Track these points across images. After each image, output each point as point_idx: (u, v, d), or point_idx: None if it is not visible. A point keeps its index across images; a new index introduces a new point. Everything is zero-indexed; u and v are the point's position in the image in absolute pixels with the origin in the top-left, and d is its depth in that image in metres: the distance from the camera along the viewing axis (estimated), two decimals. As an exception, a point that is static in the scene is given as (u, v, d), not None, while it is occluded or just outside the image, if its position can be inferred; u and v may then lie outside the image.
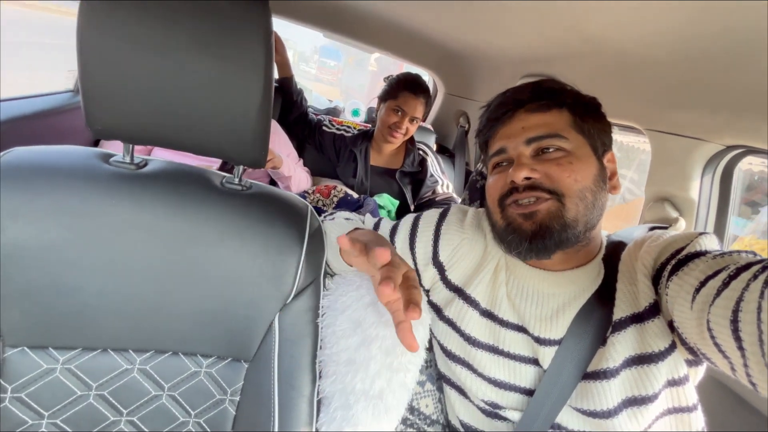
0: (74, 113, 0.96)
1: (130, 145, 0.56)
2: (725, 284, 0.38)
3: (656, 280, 0.50)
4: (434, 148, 1.81)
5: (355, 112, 1.95)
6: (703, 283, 0.41)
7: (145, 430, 0.56)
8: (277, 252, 0.58)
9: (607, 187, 0.56)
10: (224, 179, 0.62)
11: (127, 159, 0.57)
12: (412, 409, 0.68)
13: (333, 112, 1.91)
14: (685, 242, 0.49)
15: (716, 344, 0.38)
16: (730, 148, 0.75)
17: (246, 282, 0.57)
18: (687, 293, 0.43)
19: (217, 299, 0.57)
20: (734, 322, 0.35)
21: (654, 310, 0.49)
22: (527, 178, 0.52)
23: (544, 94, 0.56)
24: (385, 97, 1.40)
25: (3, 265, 0.49)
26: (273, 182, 1.43)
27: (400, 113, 1.35)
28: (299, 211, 0.62)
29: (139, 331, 0.56)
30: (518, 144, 0.54)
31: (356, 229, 0.67)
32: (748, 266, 0.38)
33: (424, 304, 0.62)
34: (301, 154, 1.53)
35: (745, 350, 0.34)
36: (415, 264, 0.66)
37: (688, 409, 0.51)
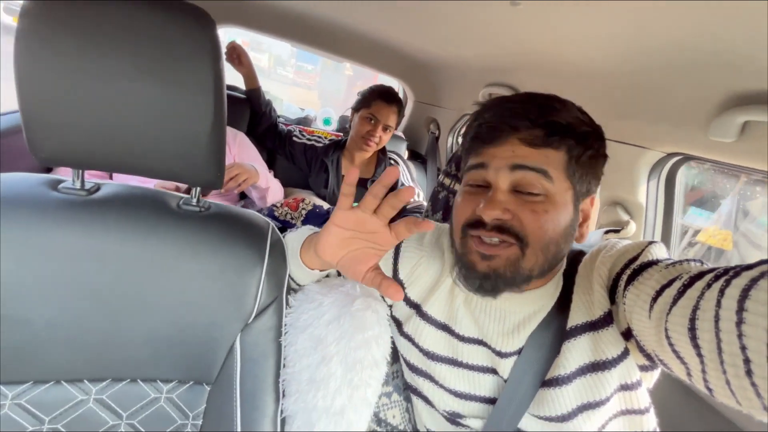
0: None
1: (80, 171, 0.55)
2: (680, 293, 0.39)
3: (612, 290, 0.51)
4: (406, 155, 1.83)
5: (326, 121, 1.95)
6: (659, 293, 0.42)
7: (104, 461, 0.55)
8: (236, 272, 0.58)
9: (575, 235, 0.53)
10: (181, 201, 0.61)
11: (77, 185, 0.56)
12: (379, 421, 0.69)
13: (304, 121, 1.91)
14: (636, 251, 0.51)
15: (674, 351, 0.39)
16: (670, 155, 0.79)
17: (205, 305, 0.57)
18: (644, 302, 0.44)
19: (174, 324, 0.56)
20: (692, 329, 0.36)
21: (608, 318, 0.51)
22: (499, 219, 0.49)
23: (546, 126, 0.49)
24: (358, 107, 1.42)
25: None
26: (243, 195, 1.42)
27: (373, 121, 1.37)
28: (259, 228, 0.62)
29: (94, 360, 0.54)
30: (501, 167, 0.49)
31: (316, 233, 0.67)
32: (700, 275, 0.39)
33: (385, 318, 0.63)
34: (271, 166, 1.52)
35: (704, 357, 0.35)
36: None
37: (640, 412, 0.52)
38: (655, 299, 0.43)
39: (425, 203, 1.51)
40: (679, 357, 0.39)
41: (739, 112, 0.60)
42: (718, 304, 0.34)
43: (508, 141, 0.50)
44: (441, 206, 0.82)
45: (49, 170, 1.01)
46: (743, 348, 0.31)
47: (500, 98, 0.54)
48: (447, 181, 0.83)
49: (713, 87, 0.63)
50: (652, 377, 0.54)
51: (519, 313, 0.57)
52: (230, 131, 1.32)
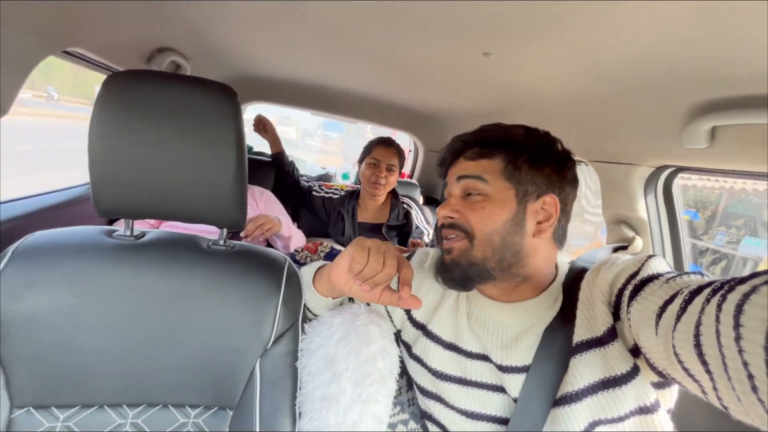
0: (91, 202, 1.11)
1: (131, 221, 0.67)
2: (682, 309, 0.39)
3: (616, 305, 0.51)
4: (421, 200, 1.92)
5: (345, 176, 2.12)
6: (663, 309, 0.42)
7: (136, 484, 0.59)
8: (256, 301, 0.65)
9: (525, 230, 0.58)
10: (211, 242, 0.71)
11: (128, 232, 0.67)
12: (396, 449, 0.69)
13: (324, 177, 2.07)
14: (636, 266, 0.51)
15: (684, 369, 0.39)
16: (660, 168, 0.83)
17: (229, 330, 0.64)
18: (649, 319, 0.44)
19: (203, 350, 0.63)
20: (698, 346, 0.36)
21: (612, 334, 0.51)
22: (448, 217, 0.60)
23: (480, 143, 0.62)
24: (362, 157, 1.57)
25: (20, 333, 0.57)
26: (269, 244, 1.53)
27: (376, 164, 1.50)
28: (276, 262, 0.70)
29: (133, 385, 0.61)
30: (452, 180, 0.62)
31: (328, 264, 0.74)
32: (699, 290, 0.39)
33: (390, 338, 0.66)
34: (295, 218, 1.65)
35: (713, 373, 0.35)
36: (386, 307, 0.72)
37: None
38: (659, 315, 0.42)
39: None
40: (689, 375, 0.39)
41: (706, 120, 0.64)
42: (717, 319, 0.34)
43: (457, 162, 0.63)
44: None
45: (110, 223, 1.18)
46: (745, 364, 0.31)
47: (456, 135, 0.68)
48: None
49: (678, 100, 0.68)
50: (670, 396, 0.52)
51: (515, 325, 0.59)
52: (257, 189, 1.48)
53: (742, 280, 0.34)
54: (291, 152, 1.71)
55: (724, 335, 0.33)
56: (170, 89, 0.61)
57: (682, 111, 0.68)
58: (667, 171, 0.84)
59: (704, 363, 0.35)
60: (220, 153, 0.62)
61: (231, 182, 0.64)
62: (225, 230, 0.72)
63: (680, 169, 0.82)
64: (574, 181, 0.62)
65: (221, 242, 0.71)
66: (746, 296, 0.32)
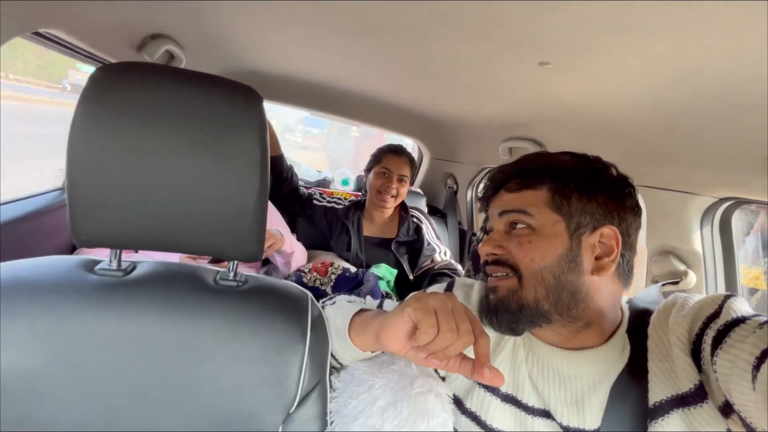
0: (62, 210, 0.94)
1: (118, 251, 0.53)
2: None
3: (695, 354, 0.46)
4: (425, 210, 1.83)
5: (345, 182, 1.99)
6: (760, 359, 0.38)
7: None
8: (277, 352, 0.53)
9: (583, 268, 0.52)
10: (218, 275, 0.58)
11: (114, 265, 0.53)
12: None
13: (323, 183, 1.94)
14: (714, 307, 0.46)
15: None
16: (723, 200, 0.76)
17: (245, 392, 0.51)
18: (743, 371, 0.39)
19: (212, 417, 0.50)
20: None
21: (700, 392, 0.45)
22: (492, 254, 0.55)
23: (521, 174, 0.57)
24: (370, 166, 1.44)
25: None
26: (266, 261, 1.39)
27: (386, 174, 1.38)
28: (299, 301, 0.58)
29: None
30: (494, 215, 0.58)
31: (362, 310, 0.63)
32: None
33: (449, 402, 0.56)
34: (293, 229, 1.51)
35: None
36: None
37: None
38: (757, 367, 0.37)
39: (453, 261, 1.46)
40: None
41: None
42: None
43: (498, 195, 0.59)
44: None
45: (74, 248, 1.00)
46: None
47: (495, 169, 0.63)
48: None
49: (764, 125, 0.61)
50: None
51: (581, 378, 0.52)
52: (254, 197, 1.34)
53: None
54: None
55: None
56: (179, 89, 0.48)
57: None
58: (728, 203, 0.78)
59: None
60: (240, 171, 0.50)
61: (252, 207, 0.51)
62: (236, 262, 0.59)
63: (743, 202, 0.76)
64: (637, 209, 0.56)
65: (230, 275, 0.58)
66: None
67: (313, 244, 1.51)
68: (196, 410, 0.50)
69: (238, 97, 0.50)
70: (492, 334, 0.59)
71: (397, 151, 1.41)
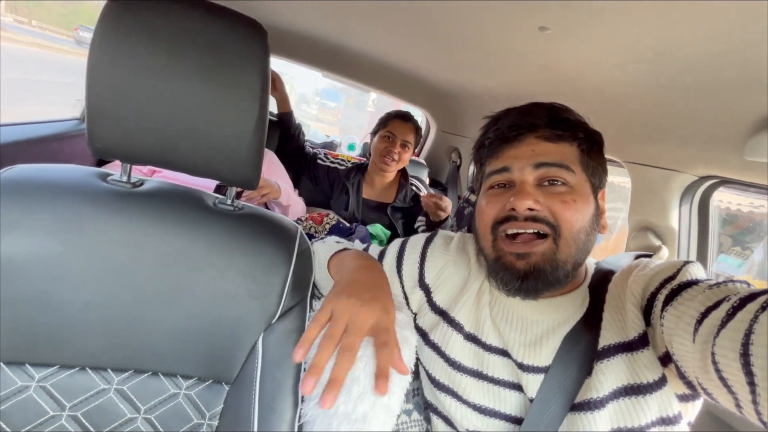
0: (79, 139, 1.00)
1: (128, 165, 0.59)
2: (729, 315, 0.37)
3: (647, 310, 0.49)
4: (427, 181, 1.86)
5: (351, 147, 2.02)
6: (704, 315, 0.40)
7: (117, 456, 0.54)
8: (264, 271, 0.59)
9: (598, 227, 0.55)
10: (217, 200, 0.63)
11: (124, 178, 0.59)
12: (398, 439, 0.66)
13: (329, 146, 1.97)
14: (672, 271, 0.49)
15: (722, 378, 0.37)
16: (703, 178, 0.78)
17: (232, 300, 0.57)
18: (687, 324, 0.41)
19: (202, 318, 0.57)
20: (744, 355, 0.34)
21: (643, 340, 0.49)
22: (530, 209, 0.50)
23: (559, 123, 0.54)
24: (376, 129, 1.47)
25: None
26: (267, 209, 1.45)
27: (390, 138, 1.41)
28: (288, 231, 0.64)
29: (120, 348, 0.55)
30: (525, 166, 0.52)
31: (344, 249, 0.68)
32: (752, 297, 0.37)
33: (410, 327, 0.61)
34: (296, 185, 1.57)
35: (757, 386, 0.33)
36: (402, 287, 0.67)
37: None
38: (700, 321, 0.40)
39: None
40: (726, 385, 0.36)
41: (777, 131, 0.59)
42: None
43: (526, 140, 0.53)
44: (466, 221, 0.82)
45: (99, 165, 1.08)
46: None
47: (510, 108, 0.58)
48: (473, 198, 0.84)
49: (746, 106, 0.63)
50: (692, 410, 0.50)
51: (542, 323, 0.56)
52: (261, 150, 1.39)
53: None
54: None
55: None
56: (189, 17, 0.52)
57: (750, 119, 0.63)
58: (709, 182, 0.80)
59: (749, 374, 0.33)
60: (242, 99, 0.54)
61: (250, 135, 0.56)
62: (234, 189, 0.64)
63: (724, 182, 0.78)
64: None
65: (229, 201, 0.63)
66: None
67: (313, 201, 1.56)
68: (189, 310, 0.56)
69: (243, 29, 0.54)
70: (461, 275, 0.64)
71: (403, 116, 1.44)
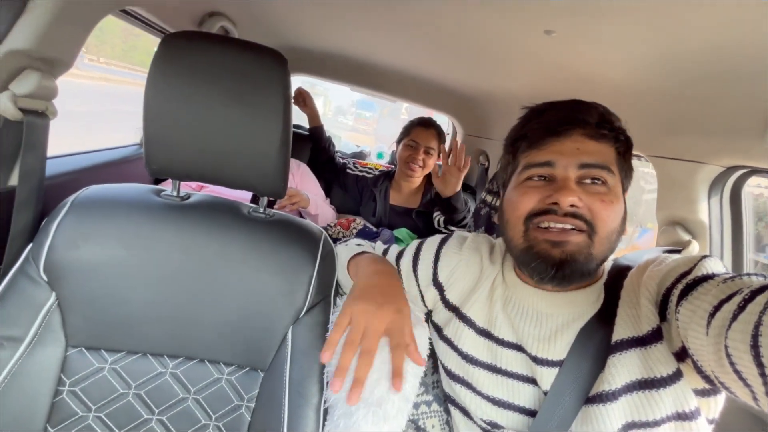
0: (138, 162, 1.16)
1: (178, 182, 0.69)
2: (741, 307, 0.37)
3: (663, 305, 0.49)
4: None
5: (380, 155, 2.09)
6: (717, 308, 0.40)
7: (172, 429, 0.63)
8: (292, 270, 0.66)
9: (624, 228, 0.56)
10: (251, 209, 0.72)
11: (174, 193, 0.69)
12: (417, 428, 0.69)
13: (359, 155, 2.06)
14: (689, 266, 0.49)
15: (736, 371, 0.37)
16: (731, 169, 0.76)
17: (264, 297, 0.65)
18: (701, 318, 0.42)
19: (239, 312, 0.65)
20: (755, 347, 0.34)
21: (657, 335, 0.49)
22: (572, 206, 0.51)
23: (606, 123, 0.54)
24: (401, 138, 1.53)
25: (75, 278, 0.61)
26: (301, 216, 1.56)
27: (414, 146, 1.46)
28: (313, 235, 0.71)
29: (174, 338, 0.64)
30: (570, 164, 0.53)
31: (363, 252, 0.74)
32: (763, 289, 0.37)
33: (421, 321, 0.65)
34: (328, 194, 1.66)
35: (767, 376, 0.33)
36: (418, 285, 0.71)
37: None
38: (712, 315, 0.40)
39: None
40: (741, 378, 0.36)
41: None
42: None
43: (572, 136, 0.53)
44: (483, 222, 0.85)
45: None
46: None
47: (554, 102, 0.58)
48: (489, 198, 0.87)
49: (765, 93, 0.61)
50: (714, 405, 0.49)
51: (557, 317, 0.57)
52: (294, 162, 1.50)
53: None
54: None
55: None
56: (223, 52, 0.61)
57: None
58: (739, 172, 0.77)
59: (760, 365, 0.33)
60: (267, 120, 0.62)
61: (276, 150, 0.64)
62: (265, 198, 0.73)
63: (754, 171, 0.75)
64: None
65: (261, 210, 0.72)
66: None
67: (344, 208, 1.65)
68: (228, 305, 0.65)
69: (266, 60, 0.62)
70: (473, 273, 0.67)
71: (425, 123, 1.49)
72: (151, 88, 0.60)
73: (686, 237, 0.84)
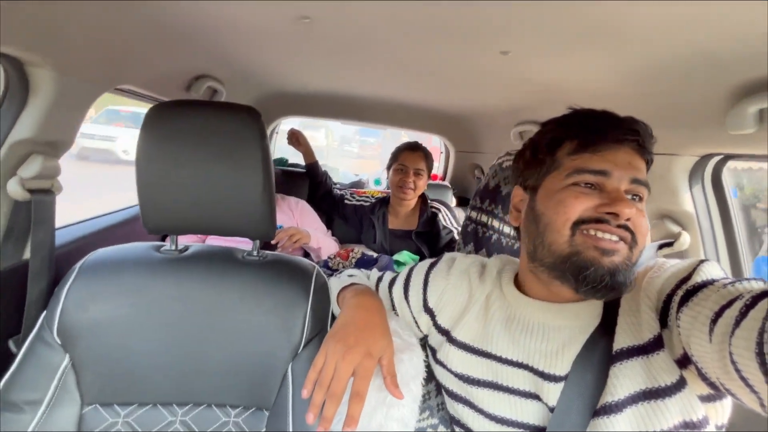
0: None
1: (175, 236, 0.74)
2: (743, 314, 0.37)
3: (663, 312, 0.49)
4: (453, 201, 1.90)
5: (377, 182, 2.15)
6: (718, 314, 0.40)
7: (185, 477, 0.65)
8: (286, 307, 0.69)
9: None
10: (245, 254, 0.76)
11: (173, 247, 0.74)
12: (426, 453, 0.69)
13: (357, 184, 2.12)
14: (688, 271, 0.49)
15: (742, 378, 0.36)
16: (705, 157, 0.76)
17: (262, 335, 0.68)
18: (702, 325, 0.41)
19: (240, 353, 0.68)
20: (760, 354, 0.33)
21: (658, 342, 0.48)
22: (628, 219, 0.50)
23: (650, 139, 0.54)
24: (390, 164, 1.58)
25: (86, 338, 0.65)
26: (306, 254, 1.60)
27: (403, 170, 1.51)
28: (305, 271, 0.74)
29: (181, 386, 0.67)
30: (623, 177, 0.51)
31: (352, 284, 0.75)
32: (764, 294, 0.37)
33: (414, 340, 0.67)
34: (330, 226, 1.71)
35: None
36: (411, 311, 0.72)
37: None
38: (714, 321, 0.40)
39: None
40: (748, 385, 0.36)
41: (752, 101, 0.59)
42: None
43: (624, 149, 0.52)
44: (471, 238, 0.86)
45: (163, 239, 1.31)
46: None
47: (605, 110, 0.56)
48: (474, 215, 0.88)
49: (718, 82, 0.63)
50: (721, 411, 0.48)
51: (564, 329, 0.56)
52: (293, 200, 1.55)
53: None
54: (327, 159, 1.77)
55: None
56: (203, 116, 0.67)
57: (724, 94, 0.63)
58: (715, 159, 0.77)
59: (766, 372, 0.33)
60: (248, 171, 0.67)
61: (260, 196, 0.68)
62: (258, 241, 0.77)
63: (729, 157, 0.75)
64: None
65: (255, 253, 0.76)
66: None
67: (347, 238, 1.68)
68: (228, 348, 0.68)
69: (241, 116, 0.68)
70: (462, 297, 0.67)
71: (411, 147, 1.53)
72: (141, 154, 0.66)
73: (676, 229, 0.84)
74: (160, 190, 0.67)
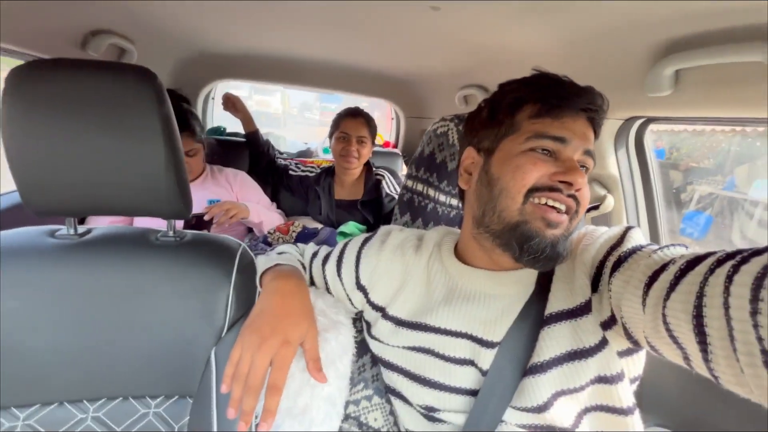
0: None
1: (73, 218, 0.65)
2: (677, 278, 0.38)
3: (596, 278, 0.51)
4: (404, 168, 1.88)
5: (326, 150, 2.06)
6: (652, 278, 0.41)
7: (102, 475, 0.61)
8: (206, 290, 0.64)
9: None
10: (160, 234, 0.69)
11: (71, 231, 0.65)
12: (360, 424, 0.70)
13: (305, 153, 2.02)
14: (617, 238, 0.51)
15: (672, 337, 0.38)
16: (629, 120, 0.77)
17: (181, 321, 0.63)
18: (636, 288, 0.43)
19: (156, 341, 0.63)
20: (698, 317, 0.35)
21: (587, 306, 0.50)
22: (578, 189, 0.50)
23: (601, 110, 0.53)
24: (332, 132, 1.51)
25: None
26: (250, 229, 1.52)
27: (346, 138, 1.44)
28: (228, 250, 0.68)
29: (90, 381, 0.62)
30: (579, 147, 0.51)
31: (277, 264, 0.71)
32: (698, 259, 0.38)
33: (342, 317, 0.65)
34: (275, 198, 1.63)
35: (710, 345, 0.34)
36: (344, 289, 0.70)
37: (622, 411, 0.50)
38: (649, 285, 0.41)
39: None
40: (676, 343, 0.38)
41: (668, 63, 0.59)
42: (727, 291, 0.33)
43: (581, 119, 0.52)
44: (406, 208, 0.84)
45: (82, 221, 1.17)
46: (760, 339, 0.30)
47: (563, 75, 0.54)
48: (410, 183, 0.86)
49: (637, 43, 0.62)
50: (638, 362, 0.51)
51: (503, 297, 0.57)
52: (231, 171, 1.45)
53: (758, 252, 0.32)
54: (285, 127, 1.66)
55: (735, 308, 0.32)
56: (77, 78, 0.56)
57: (642, 55, 0.62)
58: (638, 123, 0.79)
59: (701, 333, 0.34)
60: (145, 142, 0.59)
61: (164, 172, 0.61)
62: (173, 221, 0.70)
63: (651, 120, 0.77)
64: None
65: (170, 233, 0.69)
66: (766, 269, 0.30)
67: (294, 211, 1.62)
68: (143, 337, 0.62)
69: (131, 79, 0.58)
70: (397, 273, 0.65)
71: (352, 113, 1.46)
72: (7, 127, 0.55)
73: (602, 192, 0.86)
74: (37, 167, 0.57)
